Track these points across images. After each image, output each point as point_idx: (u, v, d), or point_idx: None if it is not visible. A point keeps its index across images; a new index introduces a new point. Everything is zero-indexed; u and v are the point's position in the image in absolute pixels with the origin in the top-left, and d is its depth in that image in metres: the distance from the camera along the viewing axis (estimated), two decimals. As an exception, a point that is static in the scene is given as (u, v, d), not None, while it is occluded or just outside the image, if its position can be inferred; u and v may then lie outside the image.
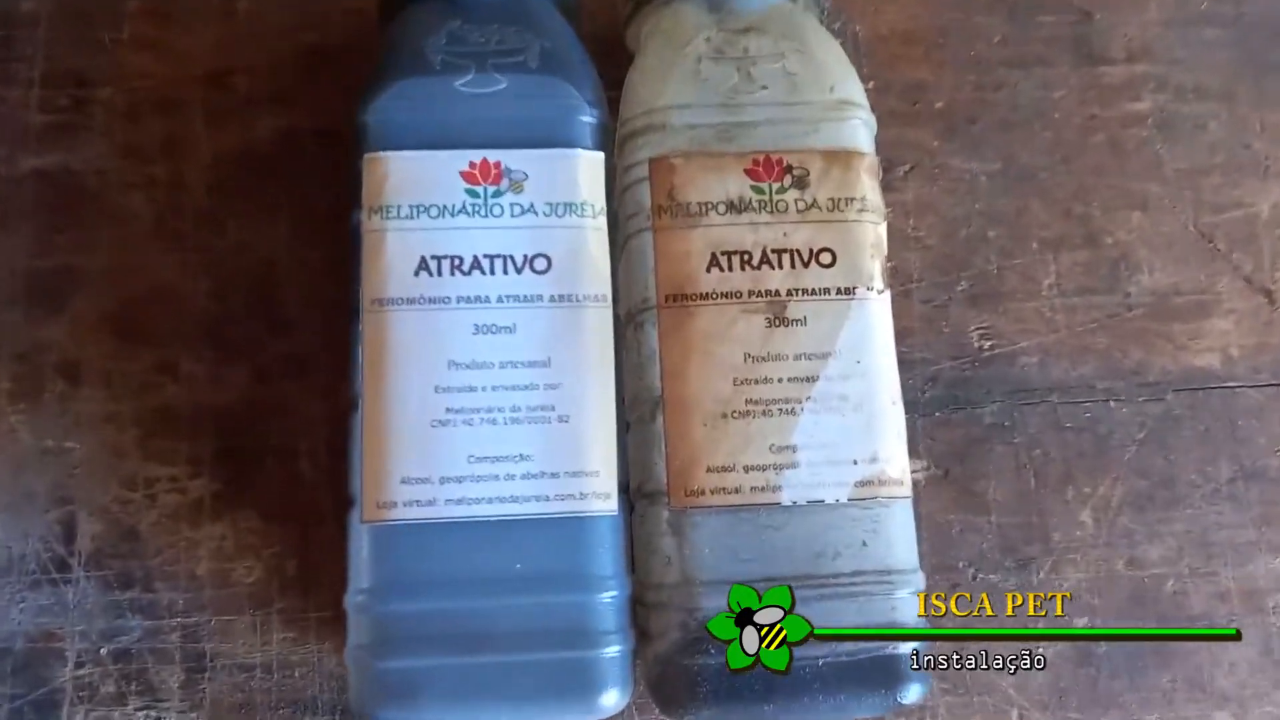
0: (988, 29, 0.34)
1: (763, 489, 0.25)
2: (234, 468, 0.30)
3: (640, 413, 0.26)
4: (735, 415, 0.25)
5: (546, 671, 0.24)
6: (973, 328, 0.32)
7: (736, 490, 0.25)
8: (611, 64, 0.29)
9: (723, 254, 0.26)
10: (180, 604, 0.30)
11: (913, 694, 0.25)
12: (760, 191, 0.26)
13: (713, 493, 0.25)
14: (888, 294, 0.27)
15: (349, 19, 0.33)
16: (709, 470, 0.25)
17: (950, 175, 0.33)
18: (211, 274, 0.32)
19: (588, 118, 0.27)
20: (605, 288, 0.26)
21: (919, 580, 0.26)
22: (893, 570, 0.25)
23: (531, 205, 0.26)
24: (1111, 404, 0.32)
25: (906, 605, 0.25)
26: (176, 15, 0.33)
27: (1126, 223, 0.33)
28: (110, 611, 0.29)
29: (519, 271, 0.26)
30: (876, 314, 0.26)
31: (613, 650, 0.24)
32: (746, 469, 0.25)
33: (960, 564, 0.31)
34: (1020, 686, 0.30)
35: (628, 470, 0.26)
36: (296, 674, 0.29)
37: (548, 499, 0.24)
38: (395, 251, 0.25)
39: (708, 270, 0.26)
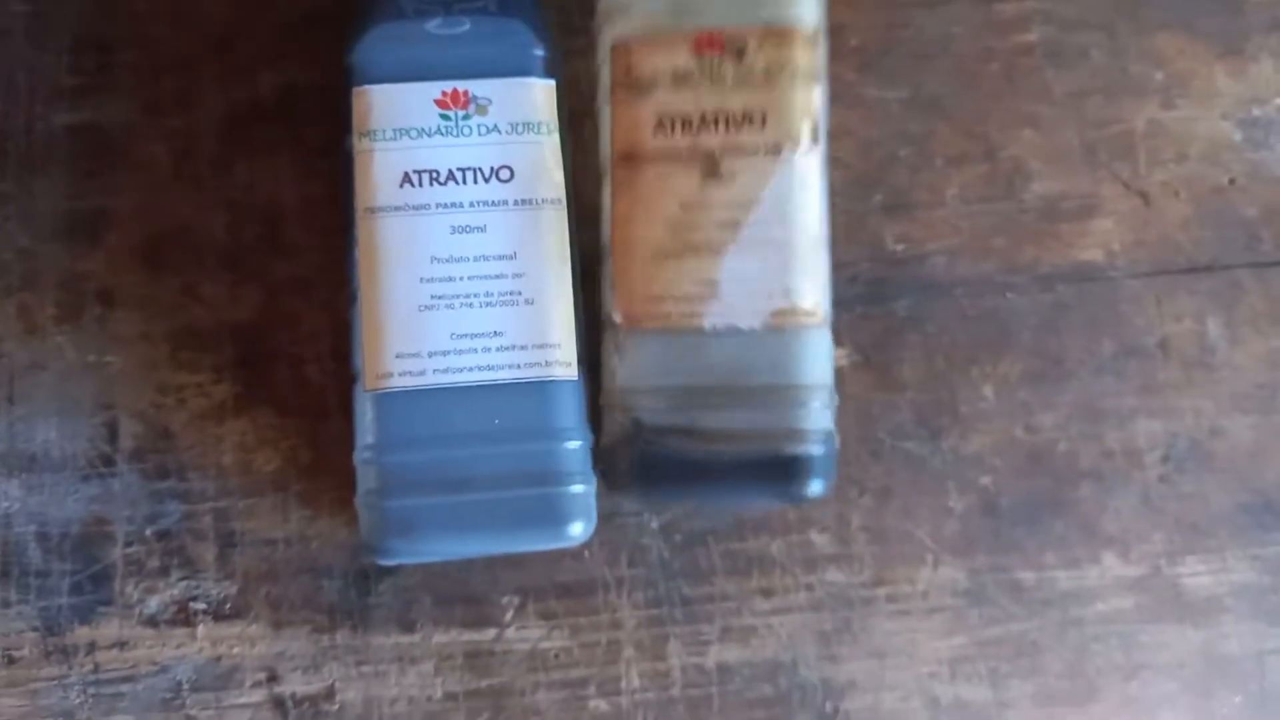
0: (895, -25, 0.38)
1: (688, 315, 0.29)
2: (251, 374, 0.34)
3: (601, 259, 0.31)
4: (669, 256, 0.29)
5: (523, 506, 0.29)
6: (887, 234, 0.36)
7: (667, 316, 0.29)
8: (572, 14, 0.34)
9: (668, 118, 0.29)
10: (211, 490, 0.34)
11: (813, 490, 0.29)
12: (703, 64, 0.29)
13: (647, 319, 0.29)
14: (818, 151, 0.30)
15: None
16: (646, 300, 0.29)
17: (866, 103, 0.37)
18: (226, 209, 0.35)
19: (539, 51, 0.31)
20: (560, 193, 0.30)
21: (827, 396, 0.30)
22: (799, 386, 0.29)
23: (495, 125, 0.30)
24: (1009, 295, 0.36)
25: (817, 414, 0.30)
26: (185, -13, 0.37)
27: (1020, 139, 0.37)
28: (151, 499, 0.34)
29: (487, 181, 0.30)
30: (803, 170, 0.29)
31: (578, 488, 0.29)
32: (676, 299, 0.29)
33: (880, 434, 0.35)
34: (934, 536, 0.35)
35: (589, 346, 0.31)
36: (314, 545, 0.34)
37: (519, 367, 0.29)
38: (382, 168, 0.30)
39: (654, 134, 0.29)
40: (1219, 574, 0.35)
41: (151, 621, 0.33)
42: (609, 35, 0.31)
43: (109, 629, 0.33)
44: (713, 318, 0.29)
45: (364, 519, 0.29)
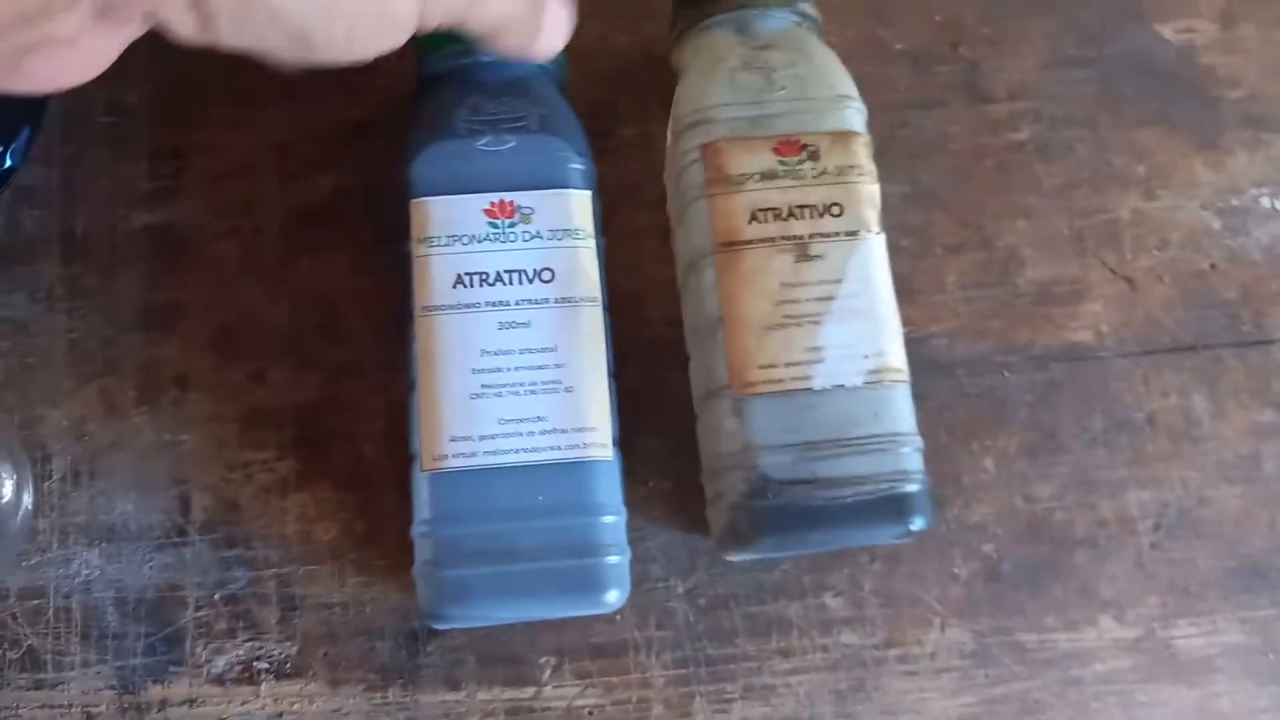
0: (895, 79, 0.42)
1: (798, 378, 0.32)
2: (311, 451, 0.37)
3: (705, 332, 0.34)
4: (775, 327, 0.33)
5: (564, 576, 0.31)
6: (892, 317, 0.39)
7: (780, 380, 0.32)
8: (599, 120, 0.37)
9: (761, 210, 0.33)
10: (274, 558, 0.36)
11: (918, 524, 0.32)
12: (785, 164, 0.34)
13: (763, 384, 0.32)
14: (883, 235, 0.34)
15: (386, 97, 0.40)
16: (759, 367, 0.33)
17: (870, 198, 0.40)
18: (287, 301, 0.38)
19: (577, 165, 0.34)
20: (596, 291, 0.33)
21: (918, 441, 0.33)
22: (898, 434, 0.33)
23: (538, 232, 0.33)
24: (1006, 374, 0.39)
25: (910, 458, 0.33)
26: (250, 100, 0.40)
27: (1013, 229, 0.40)
28: (220, 566, 0.36)
29: (530, 282, 0.33)
30: (875, 249, 0.34)
31: (614, 558, 0.32)
32: (786, 365, 0.32)
33: (889, 504, 0.38)
34: (941, 599, 0.37)
35: (621, 425, 0.34)
36: (368, 609, 0.36)
37: (560, 449, 0.32)
38: (437, 271, 0.33)
39: (749, 223, 0.33)
40: (1210, 636, 0.37)
41: (219, 680, 0.36)
42: (696, 138, 0.35)
43: (180, 687, 0.36)
44: (820, 379, 0.32)
45: (421, 587, 0.32)
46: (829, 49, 0.36)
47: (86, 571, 0.36)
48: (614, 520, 0.32)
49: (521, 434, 0.32)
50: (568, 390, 0.32)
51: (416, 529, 0.32)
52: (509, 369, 0.32)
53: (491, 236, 0.33)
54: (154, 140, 0.40)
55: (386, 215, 0.37)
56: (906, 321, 0.39)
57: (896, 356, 0.33)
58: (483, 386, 0.32)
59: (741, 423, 0.33)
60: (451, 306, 0.33)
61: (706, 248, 0.34)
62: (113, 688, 0.35)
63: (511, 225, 0.33)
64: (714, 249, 0.34)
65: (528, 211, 0.33)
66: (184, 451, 0.37)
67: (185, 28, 0.26)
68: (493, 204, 0.33)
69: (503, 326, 0.32)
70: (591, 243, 0.34)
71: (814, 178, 0.34)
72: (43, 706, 0.35)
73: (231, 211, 0.39)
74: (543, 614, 0.33)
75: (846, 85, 0.35)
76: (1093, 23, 0.43)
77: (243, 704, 0.36)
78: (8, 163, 0.37)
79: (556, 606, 0.32)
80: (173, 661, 0.36)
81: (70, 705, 0.35)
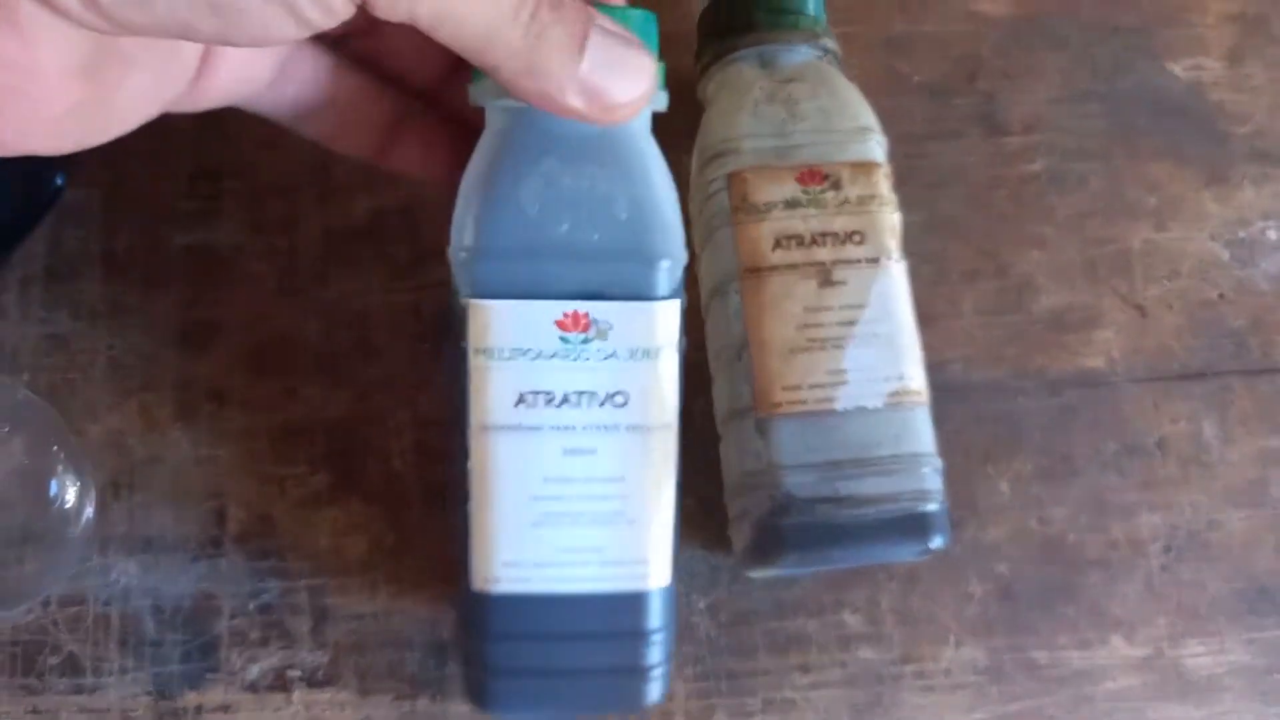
0: (913, 111, 0.43)
1: (822, 400, 0.33)
2: (343, 466, 0.38)
3: (729, 355, 0.35)
4: (799, 350, 0.34)
5: (610, 692, 0.31)
6: (910, 342, 0.40)
7: (804, 401, 0.33)
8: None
9: (784, 238, 0.34)
10: (307, 570, 0.37)
11: (938, 542, 0.33)
12: (808, 193, 0.35)
13: (787, 405, 0.33)
14: (904, 262, 0.35)
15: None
16: (784, 389, 0.33)
17: (888, 225, 0.41)
18: (321, 318, 0.39)
19: (666, 264, 0.29)
20: (673, 417, 0.30)
21: (938, 462, 0.34)
22: (919, 454, 0.34)
23: (614, 351, 0.29)
24: (1020, 399, 0.40)
25: (930, 478, 0.34)
26: (288, 123, 0.42)
27: (1028, 258, 0.41)
28: (254, 577, 0.37)
29: (601, 405, 0.29)
30: (896, 276, 0.35)
31: (657, 673, 0.31)
32: (810, 386, 0.33)
33: (906, 524, 0.39)
34: (956, 618, 0.38)
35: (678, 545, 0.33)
36: (397, 620, 0.37)
37: (616, 580, 0.30)
38: (498, 386, 0.29)
39: (773, 250, 0.34)
40: (1218, 655, 0.38)
41: (253, 688, 0.36)
42: (723, 167, 0.36)
43: (215, 694, 0.36)
44: (843, 400, 0.33)
45: (468, 682, 0.32)
46: (850, 82, 0.37)
47: (125, 580, 0.37)
48: (664, 640, 0.31)
49: (577, 564, 0.30)
50: (630, 522, 0.30)
51: (469, 640, 0.32)
52: (570, 498, 0.30)
53: (561, 353, 0.29)
54: (194, 161, 0.40)
55: (422, 235, 0.38)
56: (924, 347, 0.39)
57: (917, 379, 0.35)
58: (542, 514, 0.30)
59: (766, 442, 0.34)
60: (512, 428, 0.29)
61: (732, 273, 0.35)
62: (150, 694, 0.36)
63: (585, 341, 0.29)
64: (739, 274, 0.35)
65: (604, 326, 0.29)
66: (220, 466, 0.38)
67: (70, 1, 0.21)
68: (566, 315, 0.29)
69: (567, 453, 0.29)
70: (674, 356, 0.30)
71: (836, 206, 0.35)
72: (82, 711, 0.36)
73: (269, 231, 0.40)
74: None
75: (867, 117, 0.37)
76: (1105, 60, 0.44)
77: (275, 711, 0.36)
78: (58, 181, 0.38)
79: (599, 714, 0.33)
80: (208, 669, 0.37)
81: (109, 710, 0.36)
